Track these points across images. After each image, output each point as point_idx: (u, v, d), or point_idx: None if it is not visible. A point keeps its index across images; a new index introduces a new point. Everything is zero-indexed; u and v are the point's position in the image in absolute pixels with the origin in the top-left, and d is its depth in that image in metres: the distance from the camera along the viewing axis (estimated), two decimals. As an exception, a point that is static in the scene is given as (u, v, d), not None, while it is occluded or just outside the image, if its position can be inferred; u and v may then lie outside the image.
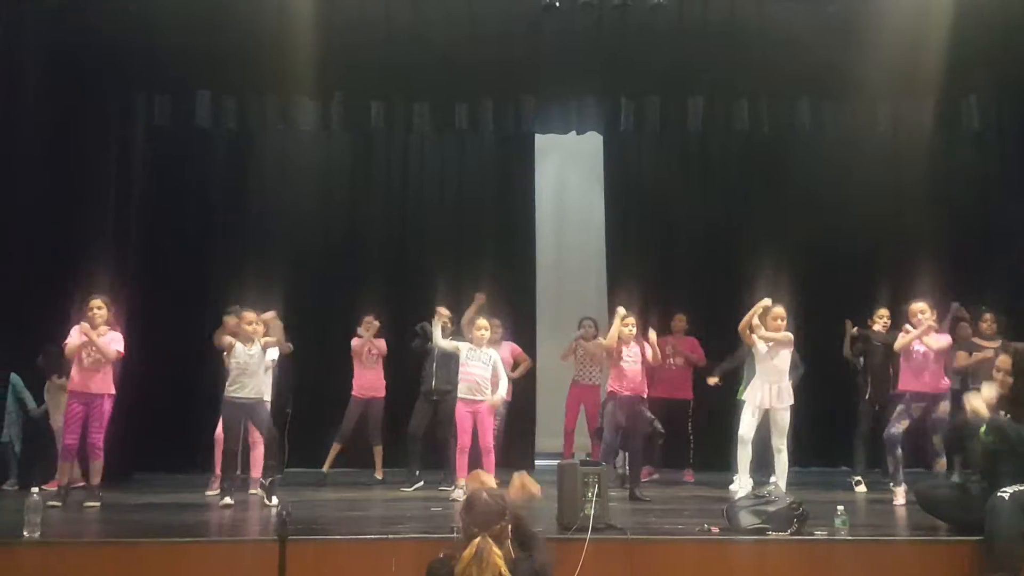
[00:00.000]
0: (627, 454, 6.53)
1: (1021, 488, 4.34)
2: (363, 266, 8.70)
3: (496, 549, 3.20)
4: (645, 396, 6.37)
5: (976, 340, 6.65)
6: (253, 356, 6.02)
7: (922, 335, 5.95)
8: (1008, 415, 4.58)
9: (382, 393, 7.54)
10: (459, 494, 6.12)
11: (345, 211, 8.89)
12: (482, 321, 6.47)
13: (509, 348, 7.66)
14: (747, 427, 6.07)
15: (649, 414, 6.38)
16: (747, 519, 4.64)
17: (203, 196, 8.65)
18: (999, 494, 4.33)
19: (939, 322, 6.17)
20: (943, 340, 6.07)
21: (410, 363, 7.48)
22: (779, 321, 6.08)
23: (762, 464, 6.22)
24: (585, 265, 9.44)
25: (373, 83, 7.35)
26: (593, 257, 9.37)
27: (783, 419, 6.02)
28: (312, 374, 7.88)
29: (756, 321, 6.08)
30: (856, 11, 6.78)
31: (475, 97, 7.71)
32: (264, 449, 6.24)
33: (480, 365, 6.36)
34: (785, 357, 6.07)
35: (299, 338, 7.54)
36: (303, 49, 6.83)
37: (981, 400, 4.71)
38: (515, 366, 7.72)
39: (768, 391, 6.05)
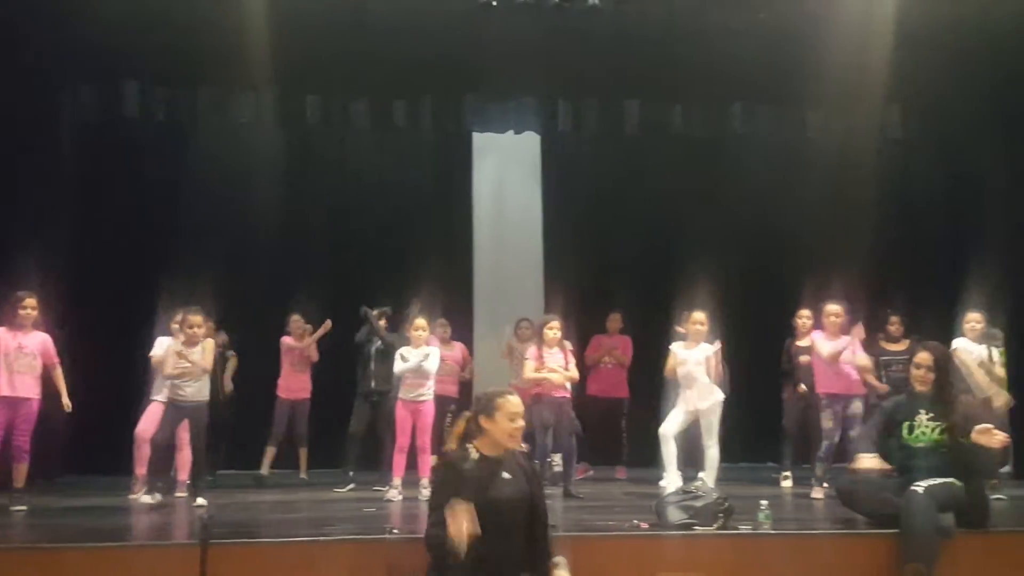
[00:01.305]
0: (561, 453, 6.58)
1: (935, 482, 4.50)
2: (299, 263, 8.58)
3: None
4: (569, 397, 6.41)
5: (883, 344, 6.92)
6: (195, 360, 5.86)
7: (847, 346, 6.14)
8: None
9: (308, 394, 7.53)
10: (394, 494, 6.11)
11: (280, 207, 8.70)
12: (420, 321, 6.45)
13: (460, 348, 7.68)
14: (670, 424, 6.20)
15: (572, 413, 6.42)
16: (675, 514, 4.72)
17: (131, 190, 8.40)
18: (913, 488, 4.47)
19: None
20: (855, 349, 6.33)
21: (343, 362, 7.41)
22: (699, 325, 6.22)
23: (691, 460, 6.36)
24: (523, 264, 9.48)
25: (310, 77, 7.27)
26: (531, 256, 9.43)
27: (710, 418, 6.16)
28: (246, 374, 7.75)
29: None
30: (786, 20, 6.97)
31: (413, 94, 7.69)
32: (195, 449, 6.11)
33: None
34: (701, 360, 6.19)
35: (233, 336, 7.44)
36: (237, 40, 6.71)
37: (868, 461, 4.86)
38: (464, 366, 7.76)
39: (692, 392, 6.18)
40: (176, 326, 6.06)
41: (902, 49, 6.80)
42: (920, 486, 4.48)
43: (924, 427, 4.74)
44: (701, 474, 6.20)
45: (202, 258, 8.05)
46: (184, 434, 6.20)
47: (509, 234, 9.67)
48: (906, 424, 4.78)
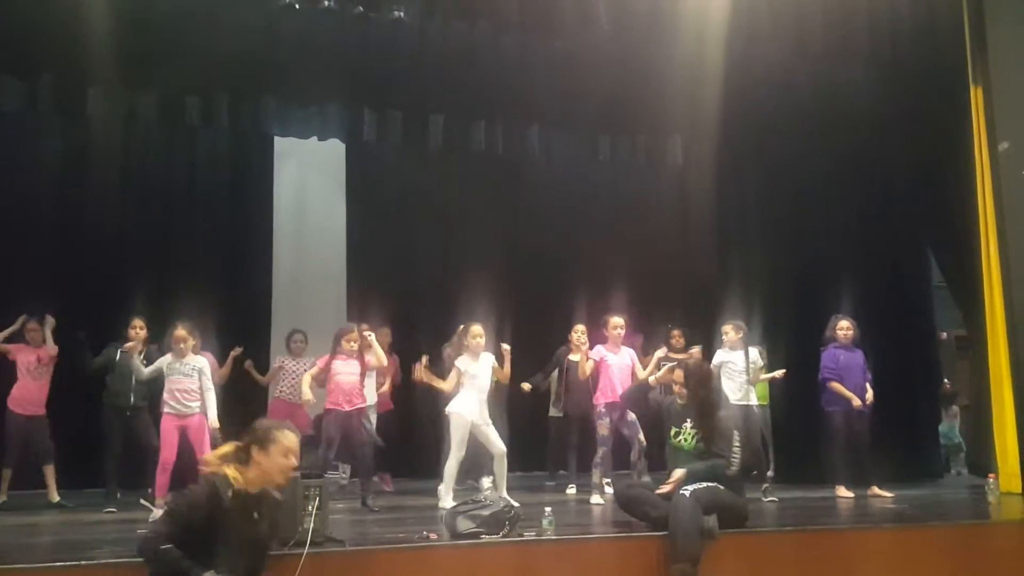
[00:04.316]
0: (353, 466, 6.48)
1: (700, 486, 4.85)
2: (73, 264, 7.85)
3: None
4: (363, 408, 6.33)
5: (668, 354, 7.41)
6: None
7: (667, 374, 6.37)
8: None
9: (44, 409, 6.81)
10: (158, 514, 5.75)
11: (53, 203, 8.01)
12: (181, 332, 6.12)
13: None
14: (459, 441, 6.22)
15: (368, 424, 6.36)
16: (463, 524, 4.78)
17: None
18: (681, 492, 4.80)
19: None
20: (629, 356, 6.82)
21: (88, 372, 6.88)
22: (478, 339, 6.32)
23: (471, 468, 6.45)
24: (325, 273, 9.29)
25: (91, 65, 6.66)
26: (333, 265, 9.26)
27: (491, 427, 6.27)
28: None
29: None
30: (578, 48, 7.33)
31: (208, 91, 7.31)
32: None
33: (183, 378, 6.05)
34: (487, 373, 6.34)
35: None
36: (1, 19, 6.09)
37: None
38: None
39: (475, 406, 6.26)
40: None
41: (683, 85, 7.33)
42: (687, 490, 4.80)
43: (687, 434, 5.13)
44: (485, 480, 6.32)
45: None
46: None
47: (311, 242, 9.45)
48: (673, 429, 5.18)
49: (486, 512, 4.80)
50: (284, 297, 9.01)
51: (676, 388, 5.26)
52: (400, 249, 9.24)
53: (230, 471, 3.47)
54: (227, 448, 3.56)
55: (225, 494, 3.41)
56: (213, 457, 3.57)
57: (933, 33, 7.35)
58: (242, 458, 3.50)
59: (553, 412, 7.95)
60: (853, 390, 6.87)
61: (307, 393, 6.18)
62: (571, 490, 7.23)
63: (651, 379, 6.04)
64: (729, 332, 6.98)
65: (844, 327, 7.04)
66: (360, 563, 4.48)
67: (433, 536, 4.80)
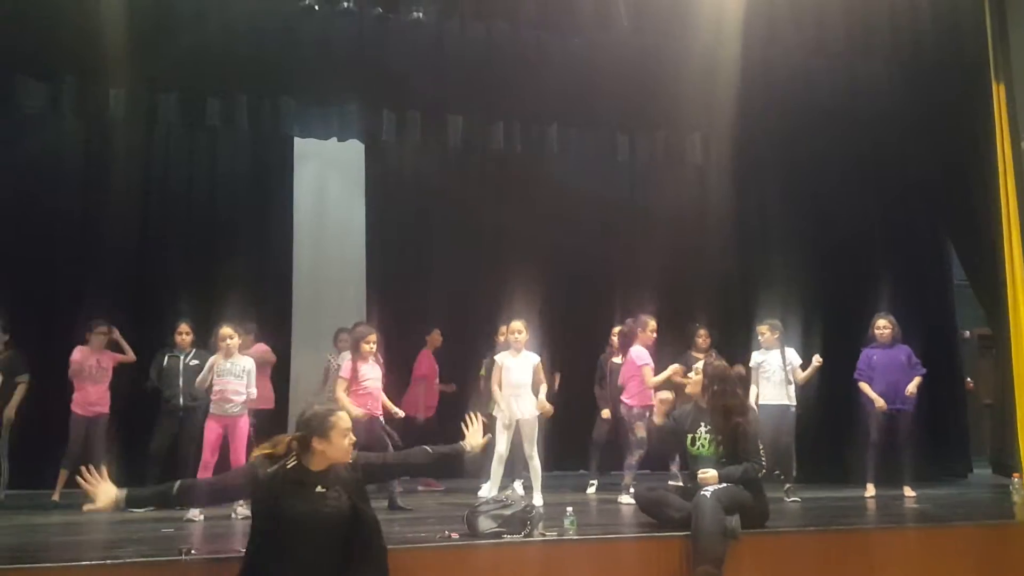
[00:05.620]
0: None
1: (720, 487, 4.84)
2: (95, 266, 7.90)
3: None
4: (380, 415, 6.29)
5: (693, 354, 7.37)
6: None
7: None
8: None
9: (107, 408, 6.90)
10: (195, 513, 5.80)
11: (76, 205, 8.06)
12: (226, 329, 6.17)
13: (262, 350, 7.32)
14: (503, 442, 6.21)
15: (388, 428, 6.34)
16: (485, 524, 4.80)
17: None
18: (702, 493, 4.78)
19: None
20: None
21: (143, 375, 6.99)
22: (516, 335, 6.34)
23: (507, 470, 6.45)
24: (344, 274, 9.31)
25: (112, 68, 6.71)
26: (353, 266, 9.28)
27: (531, 428, 6.26)
28: (34, 385, 7.08)
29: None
30: (597, 47, 7.33)
31: (228, 93, 7.35)
32: None
33: (233, 378, 6.09)
34: (526, 369, 6.32)
35: (20, 345, 6.80)
36: (26, 23, 6.16)
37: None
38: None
39: (512, 404, 6.27)
40: None
41: (703, 82, 7.30)
42: (708, 491, 4.80)
43: (703, 439, 5.09)
44: (516, 483, 6.32)
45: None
46: None
47: (330, 242, 9.46)
48: (690, 436, 5.15)
49: (508, 512, 4.82)
50: (304, 298, 9.04)
51: (688, 389, 5.24)
52: (419, 249, 9.27)
53: (264, 451, 3.64)
54: (281, 446, 3.66)
55: (263, 471, 3.55)
56: (260, 449, 3.74)
57: (955, 29, 7.29)
58: (298, 450, 3.61)
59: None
60: (886, 388, 6.86)
61: (354, 410, 5.82)
62: (591, 489, 7.22)
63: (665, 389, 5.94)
64: (765, 332, 6.87)
65: (880, 325, 6.98)
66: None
67: (454, 536, 4.81)
